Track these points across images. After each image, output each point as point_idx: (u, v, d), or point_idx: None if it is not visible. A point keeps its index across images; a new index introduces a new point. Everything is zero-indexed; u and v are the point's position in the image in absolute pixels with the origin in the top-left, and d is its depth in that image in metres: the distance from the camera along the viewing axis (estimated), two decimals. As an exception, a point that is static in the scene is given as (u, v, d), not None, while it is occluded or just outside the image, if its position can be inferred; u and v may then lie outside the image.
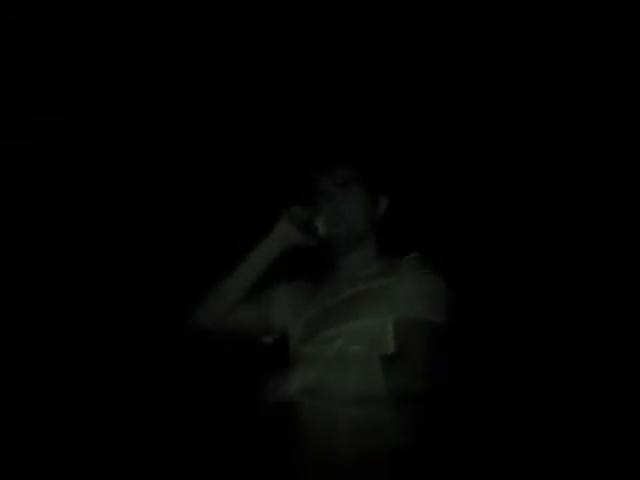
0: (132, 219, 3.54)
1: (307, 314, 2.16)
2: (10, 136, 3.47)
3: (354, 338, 2.02)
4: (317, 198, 2.14)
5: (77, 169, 3.53)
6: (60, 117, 3.50)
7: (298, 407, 2.07)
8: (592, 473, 3.17)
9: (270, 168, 3.47)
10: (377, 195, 2.17)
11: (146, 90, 3.53)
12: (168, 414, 3.41)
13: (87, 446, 3.36)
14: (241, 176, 3.55)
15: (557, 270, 3.43)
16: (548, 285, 3.44)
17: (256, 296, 2.22)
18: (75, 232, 3.52)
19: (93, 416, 3.39)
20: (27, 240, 3.49)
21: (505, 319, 3.36)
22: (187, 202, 3.57)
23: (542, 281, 3.44)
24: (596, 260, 3.42)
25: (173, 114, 3.55)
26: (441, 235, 2.01)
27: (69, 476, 3.28)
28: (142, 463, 3.32)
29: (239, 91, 3.53)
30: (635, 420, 3.24)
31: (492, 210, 3.49)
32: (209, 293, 2.22)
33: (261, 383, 1.99)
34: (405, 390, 1.94)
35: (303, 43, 3.40)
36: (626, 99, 3.40)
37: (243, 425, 3.33)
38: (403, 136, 3.45)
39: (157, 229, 3.53)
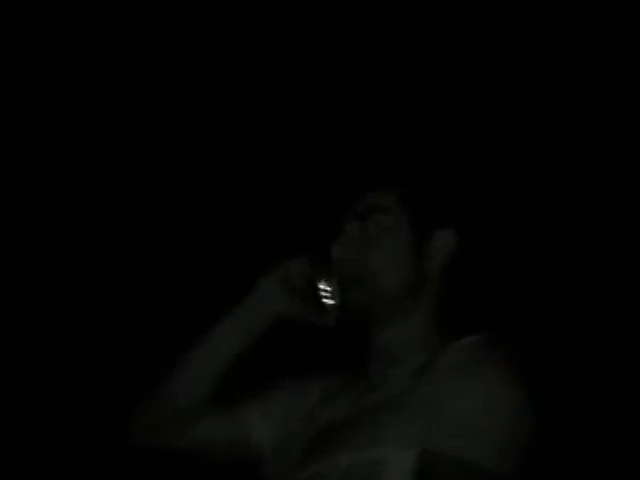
0: (132, 219, 3.55)
1: (311, 425, 1.36)
2: (10, 136, 3.48)
3: (350, 476, 1.21)
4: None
5: (77, 169, 3.54)
6: (60, 117, 3.51)
7: None
8: None
9: (270, 174, 3.48)
10: (432, 231, 1.32)
11: (146, 90, 3.54)
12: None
13: (85, 443, 3.38)
14: (242, 180, 3.56)
15: (557, 270, 3.43)
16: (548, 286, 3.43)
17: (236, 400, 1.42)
18: (75, 232, 3.53)
19: (93, 414, 3.41)
20: (27, 240, 3.50)
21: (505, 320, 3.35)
22: (187, 202, 3.58)
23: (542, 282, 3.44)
24: (596, 259, 3.42)
25: (173, 114, 3.55)
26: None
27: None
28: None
29: (239, 93, 3.54)
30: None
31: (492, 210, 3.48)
32: (153, 391, 1.41)
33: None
34: None
35: (303, 43, 3.40)
36: (627, 99, 3.39)
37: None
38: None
39: (156, 229, 3.54)
